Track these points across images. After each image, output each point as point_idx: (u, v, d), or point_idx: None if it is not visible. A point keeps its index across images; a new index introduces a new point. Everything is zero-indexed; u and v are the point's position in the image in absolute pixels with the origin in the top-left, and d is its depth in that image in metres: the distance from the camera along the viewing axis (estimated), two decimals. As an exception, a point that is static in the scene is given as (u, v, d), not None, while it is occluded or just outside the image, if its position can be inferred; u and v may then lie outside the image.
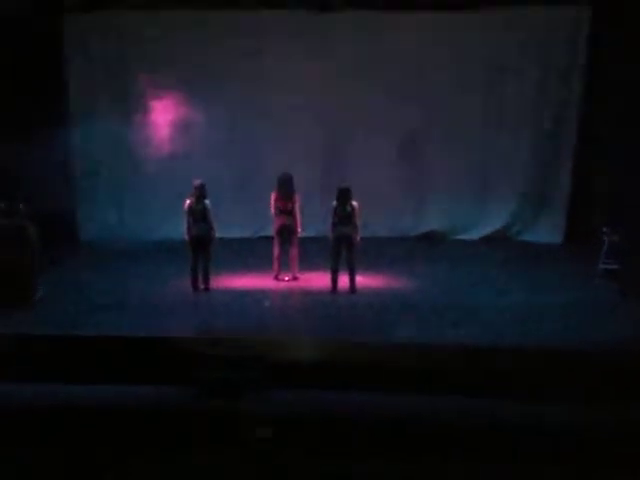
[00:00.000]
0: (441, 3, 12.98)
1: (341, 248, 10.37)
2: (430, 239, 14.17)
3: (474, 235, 14.24)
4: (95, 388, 7.40)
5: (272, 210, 10.89)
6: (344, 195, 10.29)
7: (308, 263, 11.29)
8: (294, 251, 11.01)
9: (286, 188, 10.79)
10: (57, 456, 5.63)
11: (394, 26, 13.49)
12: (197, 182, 10.43)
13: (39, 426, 5.95)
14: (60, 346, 8.15)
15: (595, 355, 7.67)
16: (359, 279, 10.50)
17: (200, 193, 10.37)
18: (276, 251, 11.03)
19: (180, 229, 10.58)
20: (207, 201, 10.39)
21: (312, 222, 12.58)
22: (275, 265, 11.05)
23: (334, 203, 10.35)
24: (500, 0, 13.02)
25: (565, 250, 13.41)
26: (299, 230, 10.97)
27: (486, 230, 14.24)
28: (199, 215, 10.35)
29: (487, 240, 14.05)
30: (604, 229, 10.99)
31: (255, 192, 12.81)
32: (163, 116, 13.09)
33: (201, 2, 13.04)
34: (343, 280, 10.41)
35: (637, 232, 10.37)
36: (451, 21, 13.46)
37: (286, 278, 11.07)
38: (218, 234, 10.51)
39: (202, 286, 10.48)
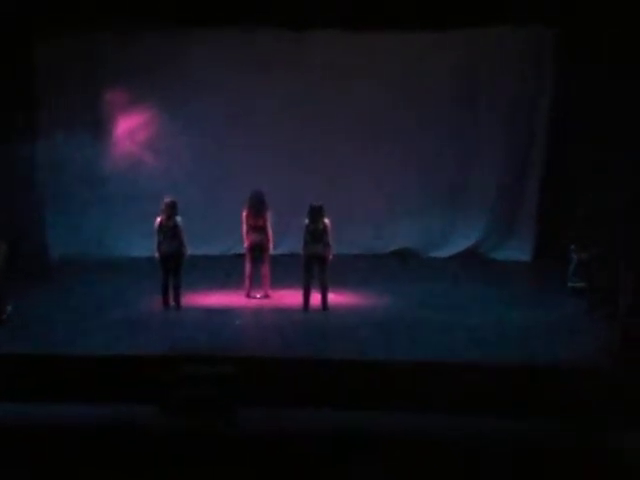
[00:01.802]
0: (413, 24, 13.07)
1: (313, 266, 10.39)
2: (402, 257, 14.23)
3: (445, 253, 14.33)
4: (64, 407, 7.33)
5: (244, 227, 10.89)
6: (316, 213, 10.32)
7: (280, 281, 11.27)
8: (266, 268, 11.01)
9: (258, 205, 10.80)
10: (28, 475, 5.57)
11: (367, 46, 13.59)
12: (168, 199, 10.40)
13: (10, 445, 5.87)
14: (29, 365, 8.08)
15: (560, 372, 7.76)
16: (331, 296, 10.52)
17: (171, 210, 10.33)
18: (248, 268, 11.01)
19: (151, 246, 10.53)
20: (179, 218, 10.35)
21: (284, 240, 12.59)
22: (247, 282, 11.04)
23: (306, 221, 10.38)
24: (468, 21, 13.13)
25: (534, 268, 13.54)
26: (271, 247, 10.97)
27: (457, 248, 14.34)
28: (170, 232, 10.30)
29: (458, 258, 14.14)
30: (572, 247, 11.12)
31: (227, 209, 12.79)
32: (134, 134, 13.04)
33: (173, 20, 13.01)
34: (315, 298, 10.42)
35: (605, 250, 10.50)
36: (422, 42, 13.59)
37: (258, 296, 11.06)
38: (189, 251, 10.47)
39: (173, 303, 10.43)
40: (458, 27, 13.19)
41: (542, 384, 7.55)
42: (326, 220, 10.32)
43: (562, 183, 13.22)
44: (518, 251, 14.07)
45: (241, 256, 11.44)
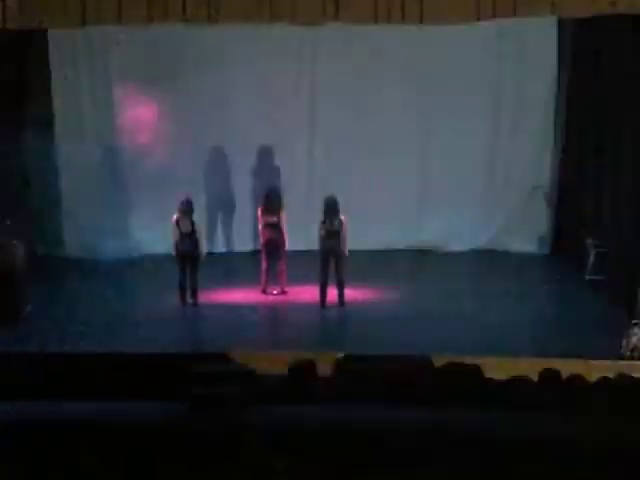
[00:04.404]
0: (432, 17, 12.95)
1: (329, 261, 10.39)
2: (418, 252, 14.19)
3: (462, 247, 14.26)
4: (84, 405, 7.37)
5: (259, 224, 10.92)
6: (332, 208, 10.32)
7: (296, 277, 11.29)
8: (282, 265, 11.02)
9: (273, 202, 10.82)
10: (46, 475, 5.60)
11: (383, 40, 13.49)
12: (184, 197, 10.44)
13: (28, 444, 5.91)
14: (50, 363, 8.13)
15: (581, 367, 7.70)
16: (348, 292, 10.51)
17: (187, 208, 10.37)
18: (264, 265, 11.03)
19: (167, 244, 10.56)
20: (195, 216, 10.39)
21: (300, 236, 12.57)
22: (263, 279, 11.06)
23: (322, 217, 10.37)
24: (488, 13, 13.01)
25: (552, 261, 13.46)
26: (286, 244, 10.98)
27: (474, 242, 14.24)
28: (187, 230, 10.34)
29: (475, 252, 14.08)
30: (590, 240, 11.05)
31: (242, 206, 12.82)
32: (148, 131, 13.06)
33: (185, 17, 13.00)
34: (332, 293, 10.42)
35: (623, 243, 10.43)
36: (442, 37, 13.46)
37: (274, 292, 11.07)
38: (205, 249, 10.50)
39: (190, 301, 10.47)
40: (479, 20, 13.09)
41: (558, 381, 7.48)
42: (342, 216, 10.31)
43: (580, 176, 13.13)
44: (536, 244, 14.00)
45: (257, 252, 11.45)
